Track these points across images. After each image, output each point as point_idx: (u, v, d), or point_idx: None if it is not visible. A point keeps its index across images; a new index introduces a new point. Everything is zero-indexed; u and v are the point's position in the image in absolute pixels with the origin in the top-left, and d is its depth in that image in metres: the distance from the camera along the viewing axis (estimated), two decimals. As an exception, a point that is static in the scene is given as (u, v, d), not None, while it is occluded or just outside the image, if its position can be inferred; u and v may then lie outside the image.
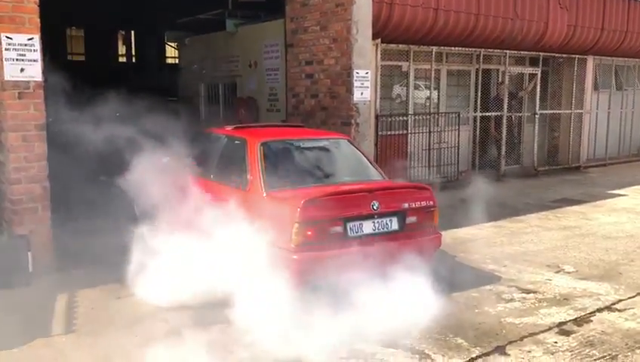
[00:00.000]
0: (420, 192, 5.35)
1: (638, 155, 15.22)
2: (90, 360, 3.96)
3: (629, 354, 4.09)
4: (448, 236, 7.13)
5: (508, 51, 11.63)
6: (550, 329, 4.51)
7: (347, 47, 8.63)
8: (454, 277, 5.44)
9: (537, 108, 12.50)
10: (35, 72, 5.44)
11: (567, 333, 4.43)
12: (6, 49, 5.27)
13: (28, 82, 5.42)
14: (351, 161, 5.97)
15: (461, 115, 11.05)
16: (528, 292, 5.33)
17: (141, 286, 4.88)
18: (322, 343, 3.97)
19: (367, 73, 8.80)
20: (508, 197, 9.85)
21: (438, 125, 10.79)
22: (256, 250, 4.52)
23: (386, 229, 5.02)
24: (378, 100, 9.73)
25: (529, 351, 4.11)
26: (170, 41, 17.66)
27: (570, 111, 13.20)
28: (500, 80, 12.01)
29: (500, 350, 4.13)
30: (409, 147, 10.37)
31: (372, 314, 4.34)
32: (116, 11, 16.31)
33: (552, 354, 4.08)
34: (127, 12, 16.33)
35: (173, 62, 19.37)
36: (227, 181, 5.55)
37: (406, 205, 5.13)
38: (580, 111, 13.31)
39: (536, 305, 5.02)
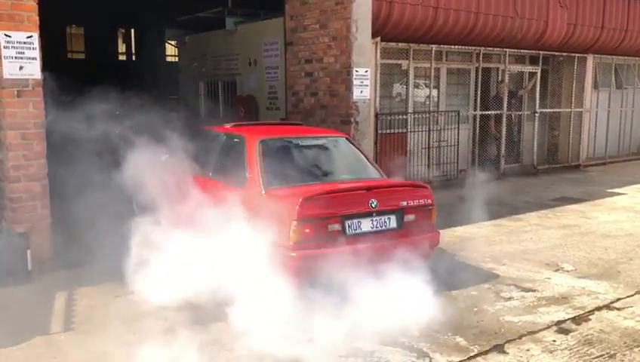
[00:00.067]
0: (418, 191, 5.37)
1: (637, 154, 15.22)
2: (88, 358, 3.96)
3: (628, 352, 4.10)
4: (448, 234, 7.14)
5: (508, 50, 11.62)
6: (549, 327, 4.51)
7: (347, 46, 8.63)
8: (453, 275, 5.45)
9: (537, 106, 12.49)
10: (34, 69, 5.44)
11: (565, 332, 4.43)
12: (5, 47, 5.27)
13: (27, 80, 5.42)
14: (349, 159, 5.98)
15: (461, 114, 11.04)
16: (527, 290, 5.33)
17: (140, 284, 4.88)
18: (321, 341, 3.98)
19: (366, 71, 8.80)
20: (507, 196, 9.86)
21: (437, 124, 10.78)
22: (254, 248, 4.52)
23: (384, 227, 5.04)
24: (378, 99, 9.72)
25: (527, 350, 4.11)
26: (170, 40, 17.64)
27: (570, 109, 13.19)
28: (499, 78, 12.00)
29: (499, 348, 4.13)
30: (409, 145, 10.36)
31: (370, 312, 4.35)
32: (116, 9, 16.29)
33: (551, 352, 4.09)
34: (127, 10, 16.31)
35: (174, 60, 19.35)
36: (226, 179, 5.56)
37: (404, 203, 5.14)
38: (580, 109, 13.31)
39: (535, 303, 5.02)
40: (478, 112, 11.60)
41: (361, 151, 6.22)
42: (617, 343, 4.24)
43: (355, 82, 8.66)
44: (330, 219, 4.78)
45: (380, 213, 5.01)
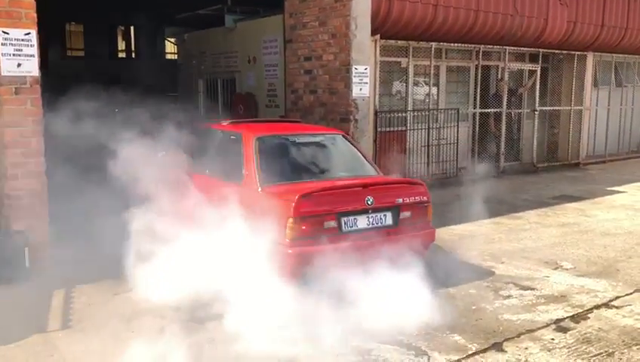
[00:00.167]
0: (414, 188, 5.40)
1: (637, 152, 15.21)
2: (86, 356, 3.95)
3: (626, 350, 4.09)
4: (447, 232, 7.14)
5: (507, 47, 11.61)
6: (547, 325, 4.50)
7: (346, 43, 8.61)
8: (452, 273, 5.45)
9: (537, 104, 12.48)
10: (32, 67, 5.41)
11: (564, 330, 4.43)
12: (2, 44, 5.24)
13: (25, 77, 5.39)
14: (346, 156, 6.01)
15: (460, 112, 11.03)
16: (526, 289, 5.32)
17: (137, 282, 4.87)
18: (318, 339, 3.97)
19: (366, 69, 8.79)
20: (507, 194, 9.85)
21: (437, 121, 10.77)
22: (250, 245, 4.52)
23: (380, 224, 5.06)
24: (377, 96, 9.71)
25: (526, 348, 4.11)
26: (170, 37, 17.62)
27: (569, 107, 13.19)
28: (499, 76, 11.99)
29: (497, 347, 4.13)
30: (408, 143, 10.36)
31: (368, 310, 4.34)
32: (115, 7, 16.27)
33: (549, 350, 4.08)
34: (126, 8, 16.29)
35: (173, 57, 19.34)
36: (222, 176, 5.57)
37: (400, 200, 5.16)
38: (580, 107, 13.30)
39: (534, 301, 5.01)
40: (478, 110, 11.59)
41: (357, 149, 6.23)
42: (616, 341, 4.24)
43: (354, 80, 8.66)
44: (326, 216, 4.80)
45: (376, 210, 5.03)
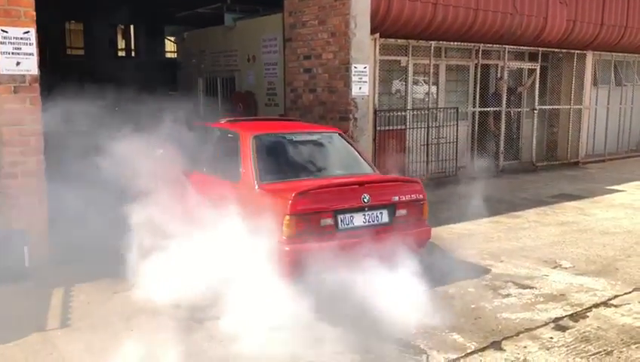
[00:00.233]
0: (409, 186, 5.43)
1: (636, 151, 15.22)
2: (85, 354, 3.95)
3: (625, 349, 4.10)
4: (446, 231, 7.14)
5: (507, 46, 11.61)
6: (546, 324, 4.50)
7: (345, 42, 8.61)
8: (451, 272, 5.45)
9: (536, 103, 12.48)
10: (31, 65, 5.42)
11: (563, 329, 4.43)
12: (1, 42, 5.25)
13: (24, 76, 5.40)
14: (342, 154, 6.05)
15: (460, 110, 11.03)
16: (525, 287, 5.33)
17: (136, 281, 4.87)
18: (316, 337, 3.96)
19: (365, 68, 8.78)
20: (506, 193, 9.86)
21: (436, 120, 10.77)
22: (247, 242, 4.54)
23: (376, 222, 5.10)
24: (376, 95, 9.71)
25: (525, 347, 4.11)
26: (169, 36, 17.60)
27: (569, 106, 13.19)
28: (499, 75, 11.98)
29: (496, 345, 4.13)
30: (407, 142, 10.36)
31: (365, 308, 4.34)
32: (115, 5, 16.26)
33: (548, 349, 4.08)
34: (126, 6, 16.28)
35: (173, 56, 19.32)
36: (220, 174, 5.61)
37: (396, 198, 5.21)
38: (579, 106, 13.30)
39: (533, 300, 5.02)
40: (477, 109, 11.59)
41: (353, 147, 6.26)
42: (614, 340, 4.24)
43: (353, 78, 8.65)
44: (322, 214, 4.84)
45: (372, 208, 5.07)
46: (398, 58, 10.35)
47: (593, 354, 4.01)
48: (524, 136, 12.86)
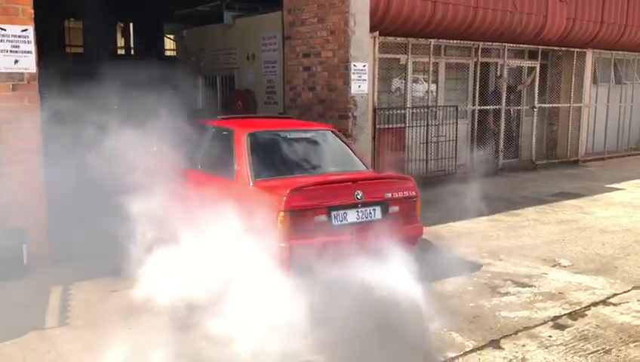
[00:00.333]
0: (402, 183, 5.49)
1: (636, 149, 15.22)
2: (83, 353, 3.94)
3: (623, 348, 4.09)
4: (445, 229, 7.15)
5: (507, 44, 11.60)
6: (545, 323, 4.50)
7: (345, 40, 8.60)
8: (450, 270, 5.45)
9: (536, 101, 12.48)
10: (29, 63, 5.41)
11: (561, 327, 4.43)
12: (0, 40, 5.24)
13: (22, 74, 5.40)
14: (336, 151, 6.10)
15: (459, 109, 11.02)
16: (524, 286, 5.33)
17: (134, 280, 4.87)
18: (314, 336, 3.95)
19: (364, 66, 8.77)
20: (505, 191, 9.86)
21: (436, 118, 10.76)
22: (242, 239, 4.56)
23: (369, 218, 5.15)
24: (376, 93, 9.70)
25: (523, 345, 4.11)
26: (169, 34, 17.57)
27: (568, 104, 13.18)
28: (498, 73, 11.97)
29: (495, 344, 4.13)
30: (407, 140, 10.35)
31: (361, 306, 4.32)
32: (115, 3, 16.24)
33: (547, 348, 4.08)
34: (125, 4, 16.26)
35: (172, 54, 19.30)
36: (214, 171, 5.66)
37: (389, 195, 5.27)
38: (579, 104, 13.30)
39: (532, 299, 5.01)
40: (477, 107, 11.58)
41: (347, 144, 6.31)
42: (613, 339, 4.24)
43: (353, 77, 8.65)
44: (316, 210, 4.90)
45: (365, 205, 5.13)
46: (398, 56, 10.34)
47: (592, 353, 4.01)
48: (524, 135, 12.86)
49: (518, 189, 10.13)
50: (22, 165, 5.47)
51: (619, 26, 13.20)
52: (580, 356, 3.97)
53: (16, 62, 5.34)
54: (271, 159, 5.53)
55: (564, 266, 5.93)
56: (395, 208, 5.29)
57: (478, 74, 11.44)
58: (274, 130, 6.02)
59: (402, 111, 10.31)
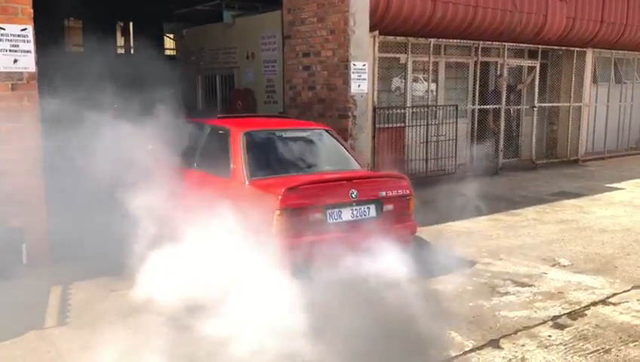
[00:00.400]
0: (396, 181, 5.55)
1: (636, 149, 15.21)
2: (82, 352, 3.94)
3: (623, 347, 4.09)
4: (445, 229, 7.14)
5: (507, 44, 11.59)
6: (544, 322, 4.50)
7: (344, 39, 8.60)
8: (449, 270, 5.45)
9: (536, 101, 12.47)
10: (28, 62, 5.41)
11: (561, 327, 4.43)
12: (-1, 40, 5.24)
13: (21, 73, 5.39)
14: (331, 150, 6.15)
15: (459, 108, 11.01)
16: (523, 285, 5.32)
17: (133, 279, 4.86)
18: (311, 334, 3.93)
19: (364, 65, 8.77)
20: (505, 191, 9.86)
21: (436, 118, 10.76)
22: (238, 237, 4.58)
23: (364, 216, 5.20)
24: (376, 93, 9.69)
25: (523, 345, 4.11)
26: (168, 33, 17.55)
27: (569, 104, 13.17)
28: (498, 72, 11.96)
29: (494, 343, 4.13)
30: (407, 140, 10.34)
31: (360, 305, 4.32)
32: (114, 3, 16.24)
33: (546, 347, 4.08)
34: (125, 4, 16.25)
35: (172, 53, 19.30)
36: (210, 170, 5.70)
37: (383, 194, 5.33)
38: (579, 104, 13.29)
39: (531, 298, 5.01)
40: (477, 106, 11.57)
41: (341, 144, 6.34)
42: (613, 338, 4.24)
43: (352, 76, 8.65)
44: (312, 209, 4.94)
45: (360, 203, 5.18)
46: (398, 55, 10.34)
47: (591, 353, 4.01)
48: (524, 134, 12.85)
49: (518, 189, 10.13)
50: (21, 164, 5.46)
51: (619, 26, 13.19)
52: (579, 356, 3.97)
53: (15, 61, 5.33)
54: (267, 158, 5.58)
55: (564, 266, 5.92)
56: (389, 206, 5.35)
57: (478, 73, 11.43)
58: (270, 130, 6.07)
59: (402, 111, 10.30)
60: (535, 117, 12.52)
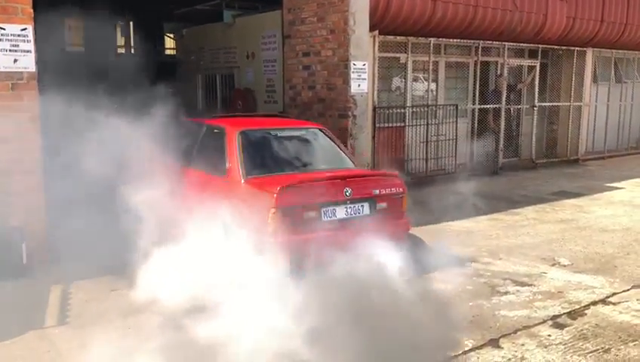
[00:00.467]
0: (390, 180, 5.61)
1: (636, 148, 15.20)
2: (82, 352, 3.93)
3: (622, 347, 4.09)
4: (444, 229, 7.15)
5: (507, 43, 11.58)
6: (544, 322, 4.50)
7: (344, 39, 8.60)
8: (449, 269, 5.46)
9: (536, 100, 12.46)
10: (28, 62, 5.41)
11: (561, 326, 4.43)
12: (-1, 39, 5.25)
13: (21, 73, 5.39)
14: (325, 149, 6.20)
15: (459, 108, 11.00)
16: (523, 285, 5.33)
17: (132, 278, 4.87)
18: (309, 332, 3.93)
19: (364, 65, 8.77)
20: (505, 190, 9.86)
21: (436, 117, 10.75)
22: (234, 235, 4.60)
23: (357, 214, 5.27)
24: (376, 92, 9.69)
25: (522, 345, 4.11)
26: (169, 33, 17.58)
27: (569, 103, 13.17)
28: (498, 72, 11.96)
29: (494, 343, 4.13)
30: (407, 139, 10.34)
31: (357, 303, 4.32)
32: (115, 2, 16.24)
33: (546, 347, 4.08)
34: (125, 3, 16.25)
35: (172, 53, 19.31)
36: (207, 168, 5.74)
37: (377, 192, 5.39)
38: (579, 103, 13.28)
39: (531, 298, 5.01)
40: (477, 106, 11.57)
41: (335, 143, 6.38)
42: (612, 338, 4.24)
43: (352, 75, 8.65)
44: (306, 207, 5.00)
45: (354, 201, 5.24)
46: (398, 55, 10.33)
47: (591, 352, 4.01)
48: (524, 134, 12.85)
49: (518, 188, 10.13)
50: (21, 164, 5.46)
51: (619, 25, 13.18)
52: (579, 355, 3.97)
53: (15, 61, 5.33)
54: (262, 157, 5.64)
55: (564, 265, 5.93)
56: (382, 204, 5.42)
57: (478, 73, 11.43)
58: (265, 129, 6.12)
59: (402, 110, 10.30)
60: (535, 116, 12.51)
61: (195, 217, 4.78)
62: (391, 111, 10.09)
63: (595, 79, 13.82)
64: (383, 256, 4.62)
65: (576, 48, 12.86)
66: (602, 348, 4.08)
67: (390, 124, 10.01)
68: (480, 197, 7.88)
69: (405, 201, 5.62)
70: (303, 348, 3.81)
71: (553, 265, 5.95)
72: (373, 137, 9.67)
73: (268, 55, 10.93)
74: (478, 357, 3.92)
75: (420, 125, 10.45)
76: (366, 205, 5.32)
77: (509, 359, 3.91)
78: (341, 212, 5.18)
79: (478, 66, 11.40)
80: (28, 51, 5.39)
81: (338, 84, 8.82)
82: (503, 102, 11.78)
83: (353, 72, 8.65)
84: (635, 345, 4.13)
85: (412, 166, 10.24)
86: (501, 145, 11.84)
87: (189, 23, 13.74)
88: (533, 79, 12.43)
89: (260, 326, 3.95)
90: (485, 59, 11.66)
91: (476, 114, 11.58)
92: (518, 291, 5.17)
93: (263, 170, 5.43)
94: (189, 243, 4.75)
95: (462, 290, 5.14)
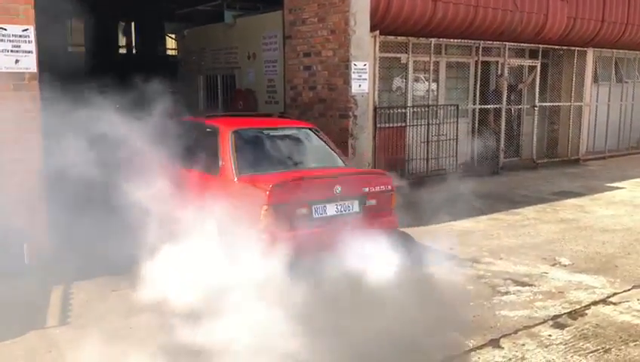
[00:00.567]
0: (379, 178, 5.73)
1: (637, 148, 15.20)
2: (83, 352, 3.94)
3: (623, 347, 4.10)
4: (445, 229, 7.15)
5: (507, 43, 11.58)
6: (545, 322, 4.51)
7: (345, 39, 8.60)
8: (449, 269, 5.47)
9: (537, 100, 12.46)
10: (30, 63, 5.43)
11: (561, 326, 4.43)
12: (0, 40, 5.25)
13: (23, 73, 5.41)
14: (317, 148, 6.30)
15: (460, 108, 11.01)
16: (524, 285, 5.33)
17: (130, 277, 4.88)
18: (308, 331, 3.93)
19: (365, 65, 8.78)
20: (506, 190, 9.86)
21: (436, 117, 10.76)
22: (227, 232, 4.67)
23: (347, 211, 5.37)
24: (376, 92, 9.69)
25: (523, 344, 4.11)
26: (170, 33, 17.60)
27: (569, 103, 13.16)
28: (499, 72, 11.96)
29: (494, 343, 4.13)
30: (408, 139, 10.35)
31: (356, 303, 4.33)
32: (116, 3, 16.26)
33: (546, 347, 4.09)
34: (126, 3, 16.27)
35: (173, 53, 19.34)
36: (200, 166, 5.83)
37: (366, 189, 5.50)
38: (580, 103, 13.28)
39: (532, 298, 5.02)
40: (478, 106, 11.57)
41: (325, 142, 6.45)
42: (613, 338, 4.24)
43: (353, 76, 8.65)
44: (298, 204, 5.09)
45: (344, 199, 5.34)
46: (398, 55, 10.34)
47: (591, 352, 4.02)
48: (525, 133, 12.84)
49: (519, 188, 10.13)
50: (22, 164, 5.47)
51: (620, 25, 13.18)
52: (579, 355, 3.97)
53: (17, 61, 5.35)
54: (254, 155, 5.72)
55: (565, 265, 5.93)
56: (372, 201, 5.52)
57: (478, 73, 11.43)
58: (257, 128, 6.22)
59: (403, 111, 10.31)
60: (536, 116, 12.51)
61: (189, 215, 4.87)
62: (392, 111, 10.10)
63: (595, 79, 13.82)
64: (376, 253, 4.67)
65: (577, 48, 12.85)
66: (603, 348, 4.08)
67: (391, 124, 10.02)
68: (480, 197, 7.89)
69: (394, 199, 5.72)
70: (299, 347, 3.80)
71: (554, 265, 5.95)
72: (374, 137, 9.68)
73: (269, 55, 10.93)
74: (478, 357, 3.93)
75: (421, 125, 10.46)
76: (356, 202, 5.42)
77: (510, 359, 3.91)
78: (331, 209, 5.28)
79: (479, 66, 11.40)
80: (29, 52, 5.41)
81: (339, 85, 8.82)
82: (504, 102, 11.78)
83: (354, 73, 8.65)
84: (635, 345, 4.13)
85: (413, 166, 10.24)
86: (502, 145, 11.84)
87: (190, 23, 13.76)
88: (533, 79, 12.44)
89: (255, 325, 3.95)
90: (486, 59, 11.67)
91: (477, 114, 11.59)
92: (518, 291, 5.17)
93: (255, 169, 5.52)
94: (184, 241, 4.79)
95: (462, 290, 5.14)
